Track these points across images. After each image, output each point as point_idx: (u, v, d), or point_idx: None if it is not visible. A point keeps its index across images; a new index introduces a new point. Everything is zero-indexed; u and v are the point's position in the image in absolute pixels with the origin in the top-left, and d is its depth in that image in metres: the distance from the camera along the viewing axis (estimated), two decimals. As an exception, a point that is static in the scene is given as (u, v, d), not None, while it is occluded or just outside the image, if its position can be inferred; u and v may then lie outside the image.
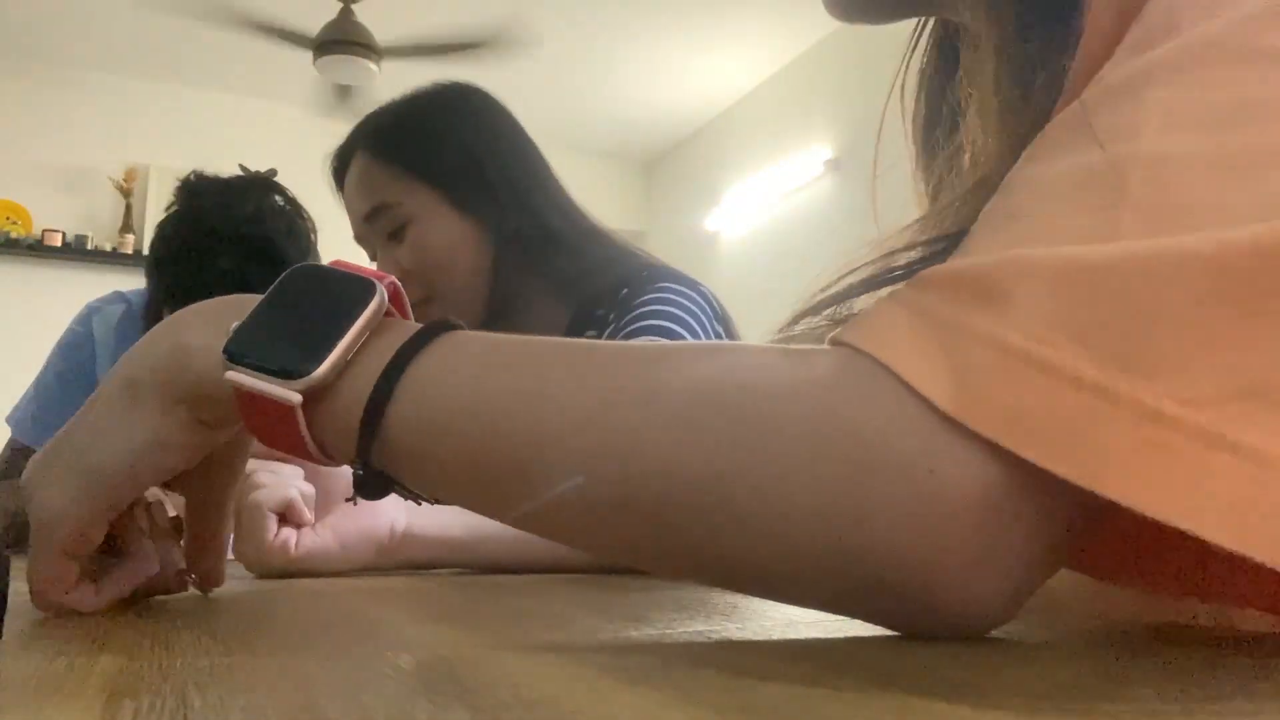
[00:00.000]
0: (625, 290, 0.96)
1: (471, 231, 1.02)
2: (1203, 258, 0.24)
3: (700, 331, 0.92)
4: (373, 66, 3.31)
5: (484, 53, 3.37)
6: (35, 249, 3.96)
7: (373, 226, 1.05)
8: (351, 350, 0.32)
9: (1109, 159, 0.28)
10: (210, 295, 0.37)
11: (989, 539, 0.26)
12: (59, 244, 3.99)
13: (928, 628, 0.28)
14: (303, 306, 0.33)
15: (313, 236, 1.32)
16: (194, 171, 1.35)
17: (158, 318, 1.23)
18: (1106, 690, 0.22)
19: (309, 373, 0.31)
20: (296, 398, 0.31)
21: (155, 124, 4.22)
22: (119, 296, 1.43)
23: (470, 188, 1.03)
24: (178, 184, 1.33)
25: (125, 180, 4.15)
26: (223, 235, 1.22)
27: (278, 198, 1.32)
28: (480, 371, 0.31)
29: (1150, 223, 0.26)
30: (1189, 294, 0.24)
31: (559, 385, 0.30)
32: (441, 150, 1.04)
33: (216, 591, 0.47)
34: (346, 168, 1.08)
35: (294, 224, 1.31)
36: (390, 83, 3.49)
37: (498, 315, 1.02)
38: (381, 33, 3.30)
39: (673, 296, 0.94)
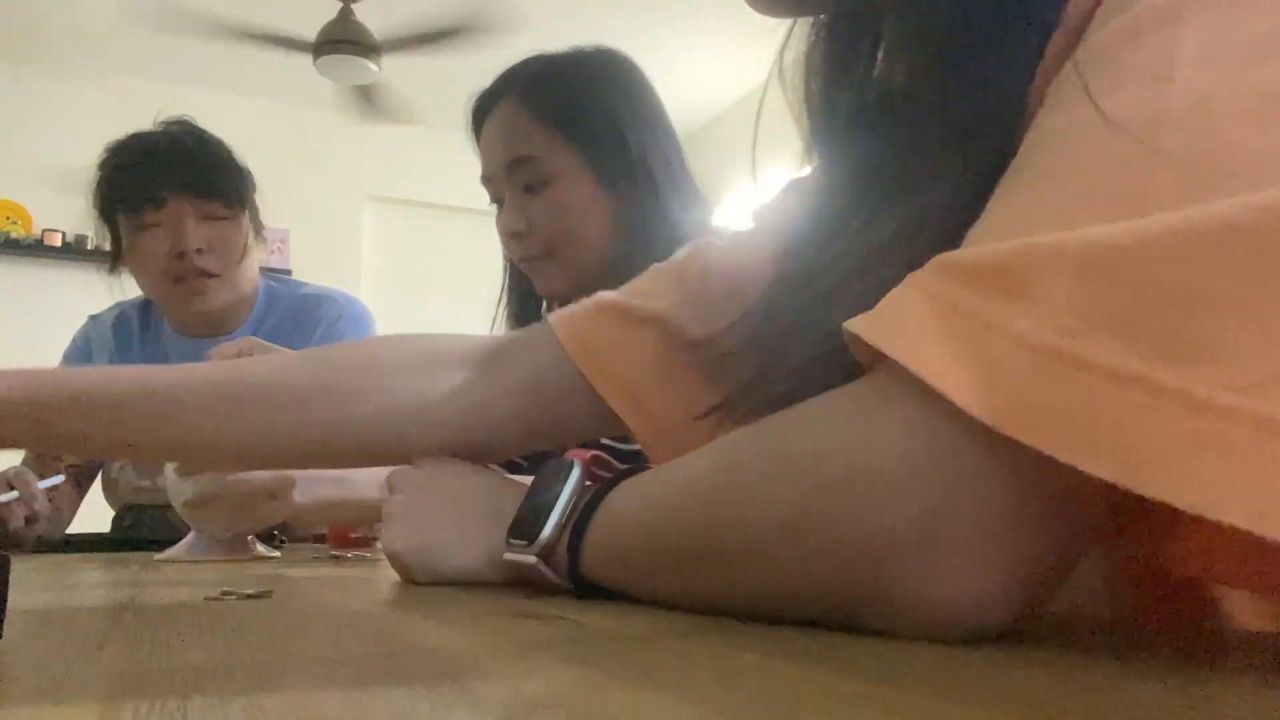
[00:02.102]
0: None
1: (603, 200, 1.03)
2: (1239, 229, 0.22)
3: None
4: (373, 66, 3.30)
5: (479, 39, 3.35)
6: (35, 249, 3.95)
7: (512, 175, 1.05)
8: (564, 516, 0.43)
9: (1137, 104, 0.26)
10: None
11: (1008, 544, 0.26)
12: (59, 244, 3.98)
13: (937, 631, 0.28)
14: (533, 496, 0.46)
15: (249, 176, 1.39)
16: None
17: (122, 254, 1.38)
18: (1109, 692, 0.21)
19: (538, 541, 0.44)
20: (532, 559, 0.44)
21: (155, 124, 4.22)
22: (117, 305, 1.49)
23: (610, 157, 1.04)
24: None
25: (125, 180, 4.15)
26: (156, 135, 1.44)
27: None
28: (644, 495, 0.40)
29: (1187, 180, 0.24)
30: (1228, 272, 0.22)
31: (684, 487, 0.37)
32: (591, 113, 1.04)
33: (210, 593, 0.48)
34: (488, 112, 1.08)
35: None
36: (395, 78, 3.43)
37: (600, 287, 1.05)
38: (379, 27, 3.29)
39: None
